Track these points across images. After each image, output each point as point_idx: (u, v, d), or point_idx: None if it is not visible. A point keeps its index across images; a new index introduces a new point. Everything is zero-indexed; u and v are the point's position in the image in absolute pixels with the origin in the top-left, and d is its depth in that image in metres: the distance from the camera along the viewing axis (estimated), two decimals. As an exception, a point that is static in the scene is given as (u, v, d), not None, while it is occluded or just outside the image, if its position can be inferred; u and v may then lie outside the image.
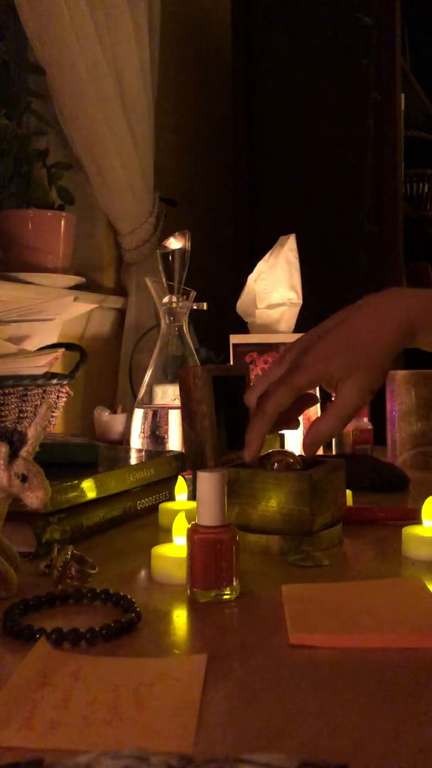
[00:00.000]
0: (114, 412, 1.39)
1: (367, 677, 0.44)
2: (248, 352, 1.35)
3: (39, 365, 1.02)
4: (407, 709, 0.40)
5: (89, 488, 0.76)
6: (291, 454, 0.75)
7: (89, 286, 1.64)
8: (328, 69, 1.82)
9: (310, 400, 0.78)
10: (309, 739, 0.37)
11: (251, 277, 1.40)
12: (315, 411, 1.31)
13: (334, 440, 1.25)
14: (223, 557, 0.57)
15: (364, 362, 0.72)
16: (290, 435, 1.13)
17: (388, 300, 0.74)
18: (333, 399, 0.73)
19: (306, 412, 1.08)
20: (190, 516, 0.65)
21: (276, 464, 0.73)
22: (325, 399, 0.80)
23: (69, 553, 0.61)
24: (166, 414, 1.10)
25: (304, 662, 0.47)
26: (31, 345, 1.08)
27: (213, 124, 2.11)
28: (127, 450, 1.09)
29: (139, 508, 0.85)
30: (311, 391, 0.77)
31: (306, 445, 0.73)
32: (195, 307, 1.24)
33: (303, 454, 0.74)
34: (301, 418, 1.14)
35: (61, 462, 0.82)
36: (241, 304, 1.41)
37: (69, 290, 1.51)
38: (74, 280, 1.53)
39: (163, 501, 0.87)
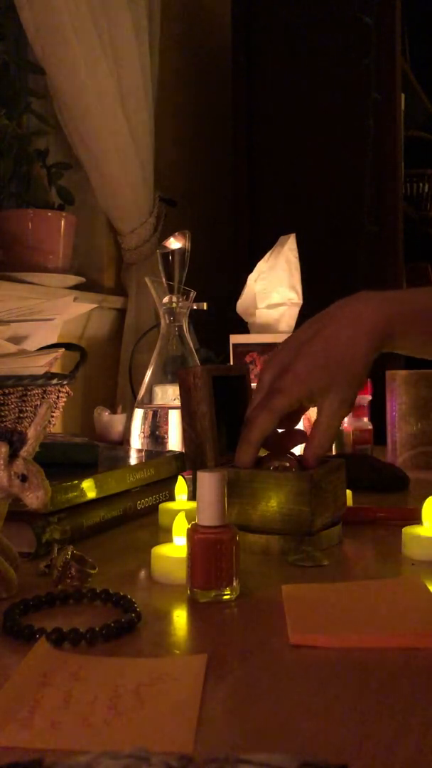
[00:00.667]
0: (114, 412, 1.39)
1: (367, 677, 0.44)
2: (248, 352, 1.35)
3: (39, 365, 1.02)
4: (407, 708, 0.40)
5: (89, 488, 0.76)
6: (288, 458, 0.75)
7: (89, 286, 1.64)
8: (328, 69, 1.82)
9: (304, 409, 0.78)
10: (309, 739, 0.37)
11: (251, 277, 1.40)
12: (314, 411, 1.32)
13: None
14: (223, 557, 0.57)
15: (342, 377, 0.72)
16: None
17: (361, 306, 0.74)
18: (316, 416, 0.73)
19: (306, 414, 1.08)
20: (190, 516, 0.65)
21: (272, 468, 0.74)
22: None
23: (69, 553, 0.61)
24: (166, 414, 1.10)
25: (304, 662, 0.47)
26: (31, 345, 1.08)
27: (213, 124, 2.11)
28: (127, 450, 1.09)
29: (139, 508, 0.85)
30: None
31: (306, 468, 0.73)
32: (195, 307, 1.24)
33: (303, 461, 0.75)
34: (302, 424, 1.14)
35: (61, 462, 0.82)
36: (241, 304, 1.41)
37: (69, 290, 1.51)
38: (74, 280, 1.53)
39: (163, 501, 0.87)
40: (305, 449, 0.74)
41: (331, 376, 0.71)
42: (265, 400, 0.73)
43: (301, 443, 0.79)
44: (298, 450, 0.78)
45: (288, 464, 0.74)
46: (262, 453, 0.76)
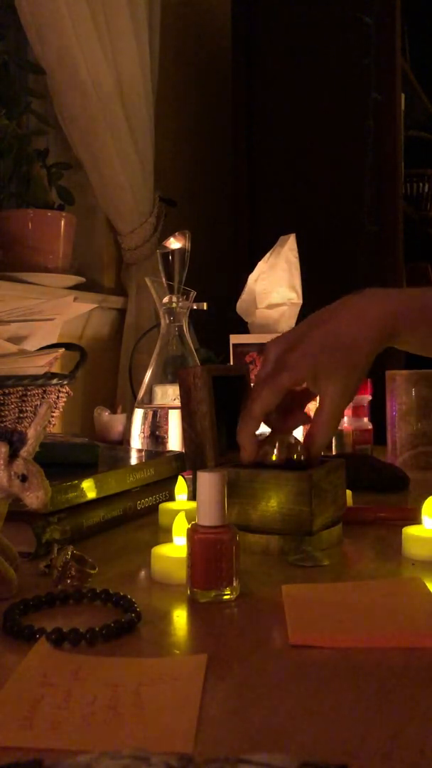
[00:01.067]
0: (114, 412, 1.39)
1: (367, 677, 0.44)
2: (248, 352, 1.35)
3: (39, 365, 1.02)
4: (407, 709, 0.40)
5: (89, 488, 0.76)
6: (293, 437, 0.75)
7: (89, 286, 1.64)
8: (328, 69, 1.82)
9: (309, 395, 0.78)
10: (309, 739, 0.37)
11: (251, 277, 1.40)
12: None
13: (334, 440, 1.25)
14: (223, 557, 0.57)
15: (347, 362, 0.72)
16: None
17: (368, 301, 0.75)
18: (318, 404, 0.73)
19: (307, 411, 1.06)
20: (190, 516, 0.65)
21: (277, 445, 0.73)
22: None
23: (69, 553, 0.61)
24: (166, 414, 1.10)
25: (304, 662, 0.47)
26: (31, 345, 1.08)
27: (213, 125, 2.11)
28: (127, 450, 1.09)
29: (139, 508, 0.85)
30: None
31: (309, 458, 0.74)
32: (195, 307, 1.24)
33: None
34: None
35: (61, 462, 0.82)
36: (241, 304, 1.41)
37: (69, 290, 1.51)
38: (74, 280, 1.53)
39: (163, 501, 0.87)
40: (307, 438, 0.74)
41: (335, 362, 0.72)
42: (269, 376, 0.73)
43: (303, 423, 0.79)
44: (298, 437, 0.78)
45: (293, 441, 0.74)
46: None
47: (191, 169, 2.06)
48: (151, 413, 1.11)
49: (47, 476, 0.58)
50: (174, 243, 1.15)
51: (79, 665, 0.45)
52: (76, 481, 0.75)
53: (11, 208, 1.52)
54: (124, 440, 1.31)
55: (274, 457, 0.74)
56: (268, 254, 1.40)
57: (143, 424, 1.11)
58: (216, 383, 0.78)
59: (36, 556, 0.68)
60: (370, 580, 0.63)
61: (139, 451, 1.05)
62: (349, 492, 0.82)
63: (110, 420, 1.37)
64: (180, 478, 0.84)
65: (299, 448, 0.74)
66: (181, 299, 1.15)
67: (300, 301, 1.38)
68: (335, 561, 0.69)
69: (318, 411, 0.73)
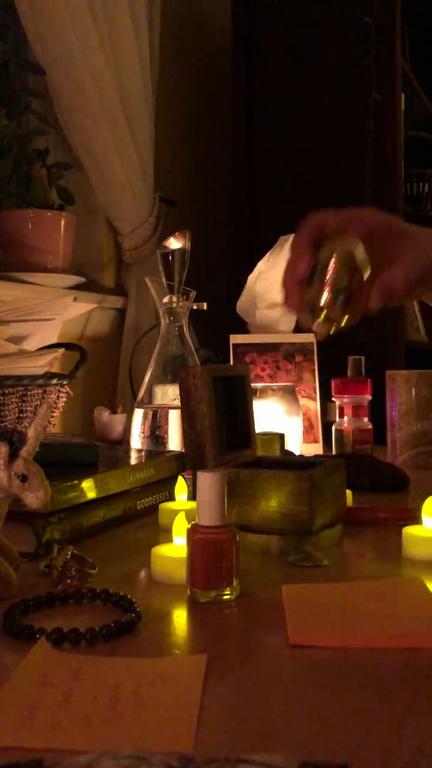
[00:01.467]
0: (114, 412, 1.39)
1: (367, 677, 0.44)
2: (248, 352, 1.35)
3: (39, 365, 1.02)
4: (407, 709, 0.40)
5: (89, 488, 0.76)
6: (353, 248, 0.67)
7: (89, 286, 1.64)
8: (328, 69, 1.82)
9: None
10: (309, 739, 0.37)
11: (251, 277, 1.40)
12: (315, 410, 1.31)
13: (334, 440, 1.25)
14: (223, 557, 0.57)
15: (420, 240, 0.70)
16: (290, 432, 1.13)
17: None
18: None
19: (306, 411, 1.06)
20: (190, 516, 0.65)
21: (335, 256, 0.67)
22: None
23: (69, 553, 0.61)
24: (166, 414, 1.10)
25: (304, 662, 0.47)
26: (31, 345, 1.08)
27: (213, 125, 2.11)
28: (127, 450, 1.09)
29: (139, 508, 0.86)
30: None
31: (376, 295, 0.67)
32: (195, 307, 1.24)
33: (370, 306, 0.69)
34: (300, 414, 1.13)
35: (61, 462, 0.82)
36: (241, 304, 1.41)
37: (69, 290, 1.51)
38: (74, 280, 1.53)
39: (163, 501, 0.87)
40: (381, 278, 0.67)
41: (410, 232, 0.69)
42: (338, 210, 0.69)
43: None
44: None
45: (356, 254, 0.66)
46: (260, 451, 0.76)
47: (191, 169, 2.06)
48: (151, 413, 1.11)
49: (47, 476, 0.58)
50: (174, 243, 1.15)
51: (79, 665, 0.45)
52: (76, 481, 0.75)
53: (11, 208, 1.52)
54: (124, 440, 1.31)
55: (324, 294, 0.65)
56: (268, 254, 1.40)
57: (143, 424, 1.11)
58: (216, 383, 0.78)
59: (36, 556, 0.68)
60: (370, 580, 0.63)
61: (139, 451, 1.05)
62: (349, 492, 0.82)
63: (110, 420, 1.37)
64: (180, 478, 0.84)
65: (365, 275, 0.66)
66: (181, 299, 1.15)
67: (300, 301, 1.37)
68: (335, 561, 0.69)
69: (399, 262, 0.67)
